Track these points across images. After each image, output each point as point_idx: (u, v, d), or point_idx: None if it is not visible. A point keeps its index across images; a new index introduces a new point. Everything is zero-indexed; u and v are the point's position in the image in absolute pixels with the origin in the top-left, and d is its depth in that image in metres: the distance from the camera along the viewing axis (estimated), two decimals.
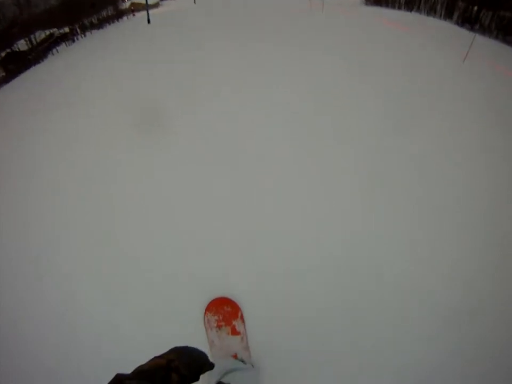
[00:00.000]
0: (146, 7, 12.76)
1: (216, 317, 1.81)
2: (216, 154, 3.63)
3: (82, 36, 14.99)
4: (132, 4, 17.83)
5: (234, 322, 1.80)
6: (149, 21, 12.59)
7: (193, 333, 1.80)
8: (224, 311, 1.83)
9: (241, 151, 3.65)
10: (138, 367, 0.51)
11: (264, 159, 3.54)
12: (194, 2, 16.86)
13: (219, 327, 1.79)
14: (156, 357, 0.53)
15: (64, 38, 15.52)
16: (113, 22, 16.70)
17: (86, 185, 3.39)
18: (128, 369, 0.50)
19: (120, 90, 5.53)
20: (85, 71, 7.27)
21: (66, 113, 5.01)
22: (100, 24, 16.40)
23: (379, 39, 7.64)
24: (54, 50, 14.97)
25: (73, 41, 15.27)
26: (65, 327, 2.13)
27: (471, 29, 8.72)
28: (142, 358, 0.54)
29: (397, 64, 6.05)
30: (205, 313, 1.83)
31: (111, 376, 0.48)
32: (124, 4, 18.03)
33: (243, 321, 1.84)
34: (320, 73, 5.53)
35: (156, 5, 17.45)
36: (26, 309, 2.28)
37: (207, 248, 2.50)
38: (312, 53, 6.50)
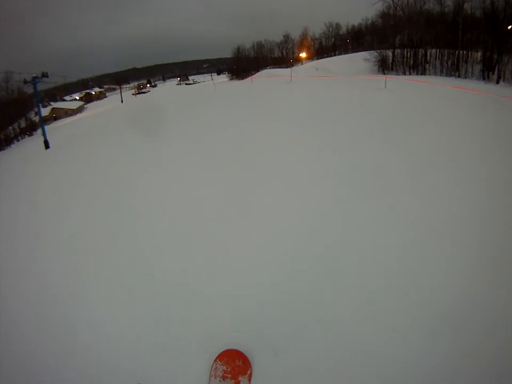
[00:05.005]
0: (42, 128, 10.05)
1: (224, 367, 1.82)
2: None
3: None
4: (53, 109, 15.58)
5: (240, 378, 1.80)
6: (47, 146, 9.67)
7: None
8: (234, 364, 1.84)
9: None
10: None
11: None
12: (122, 101, 14.73)
13: (224, 378, 1.79)
14: None
15: None
16: (24, 136, 14.06)
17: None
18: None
19: None
20: None
21: None
22: (9, 142, 13.60)
23: None
24: None
25: None
26: (66, 327, 2.14)
27: None
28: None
29: None
30: (215, 360, 1.85)
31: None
32: (44, 108, 15.70)
33: (250, 380, 1.81)
34: None
35: (80, 109, 15.28)
36: (26, 308, 2.32)
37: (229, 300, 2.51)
38: None
